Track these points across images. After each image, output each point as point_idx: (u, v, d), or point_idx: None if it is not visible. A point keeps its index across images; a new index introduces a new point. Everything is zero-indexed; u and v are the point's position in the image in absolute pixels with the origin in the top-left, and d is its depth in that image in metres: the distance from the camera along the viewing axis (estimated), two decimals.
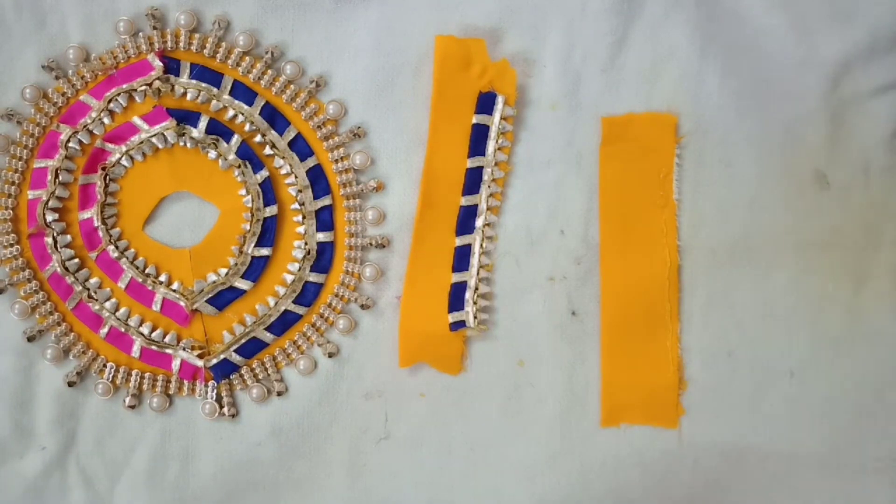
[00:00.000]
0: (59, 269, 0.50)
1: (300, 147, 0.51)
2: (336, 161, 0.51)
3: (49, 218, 0.50)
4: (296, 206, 0.50)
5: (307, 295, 0.51)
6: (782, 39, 0.50)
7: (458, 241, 0.50)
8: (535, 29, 0.50)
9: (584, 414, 0.51)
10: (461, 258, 0.50)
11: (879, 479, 0.51)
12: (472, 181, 0.50)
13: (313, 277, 0.51)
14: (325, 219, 0.51)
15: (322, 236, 0.51)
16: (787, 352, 0.48)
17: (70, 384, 0.50)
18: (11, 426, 0.50)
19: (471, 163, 0.50)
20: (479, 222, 0.50)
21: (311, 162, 0.50)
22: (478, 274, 0.50)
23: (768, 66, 0.50)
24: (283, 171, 0.50)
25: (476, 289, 0.50)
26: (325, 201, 0.51)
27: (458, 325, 0.50)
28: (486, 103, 0.50)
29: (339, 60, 0.50)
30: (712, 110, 0.50)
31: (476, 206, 0.50)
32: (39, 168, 0.50)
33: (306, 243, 0.50)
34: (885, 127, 0.50)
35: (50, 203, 0.50)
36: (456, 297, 0.50)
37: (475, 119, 0.50)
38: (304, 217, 0.50)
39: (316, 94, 0.51)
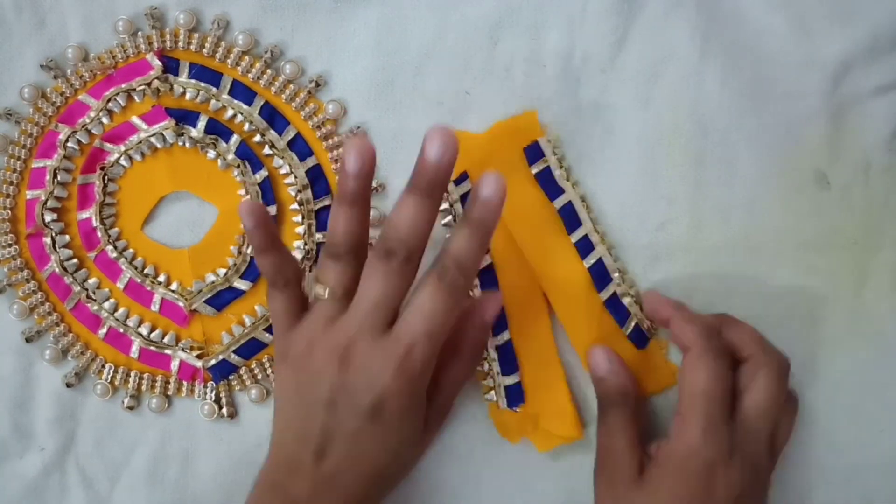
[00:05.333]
0: (57, 270, 0.50)
1: (299, 147, 0.50)
2: (336, 161, 0.51)
3: (47, 218, 0.50)
4: (295, 206, 0.50)
5: None
6: (782, 39, 0.50)
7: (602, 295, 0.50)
8: (535, 29, 0.50)
9: (587, 415, 0.51)
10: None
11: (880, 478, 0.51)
12: (569, 218, 0.50)
13: None
14: (324, 219, 0.51)
15: (322, 236, 0.51)
16: (786, 352, 0.48)
17: (68, 385, 0.50)
18: (10, 426, 0.50)
19: (557, 204, 0.50)
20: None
21: (310, 162, 0.50)
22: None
23: (768, 66, 0.50)
24: (283, 171, 0.50)
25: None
26: (325, 201, 0.51)
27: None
28: (533, 154, 0.50)
29: (339, 60, 0.50)
30: (712, 110, 0.50)
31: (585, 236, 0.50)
32: (38, 168, 0.50)
33: (306, 243, 0.50)
34: (885, 127, 0.50)
35: (48, 203, 0.49)
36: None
37: (533, 170, 0.50)
38: (303, 217, 0.50)
39: (315, 94, 0.50)
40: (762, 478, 0.45)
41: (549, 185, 0.50)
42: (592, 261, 0.50)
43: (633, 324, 0.49)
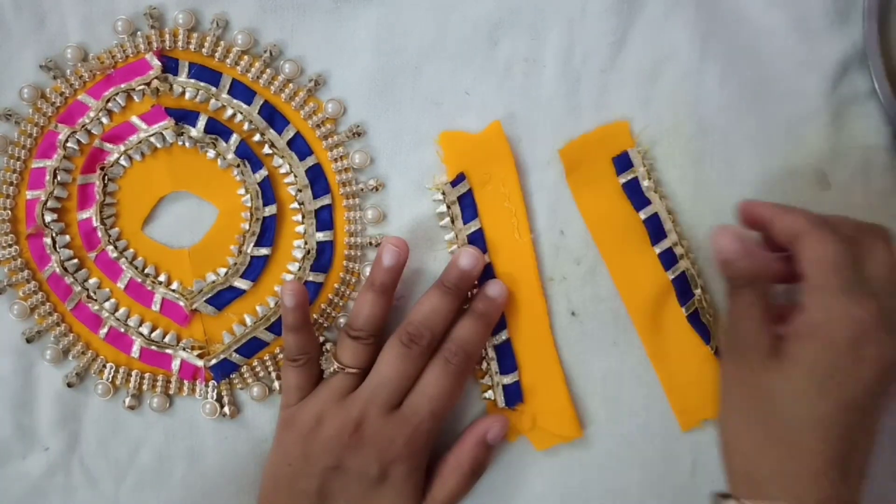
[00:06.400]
0: (58, 270, 0.50)
1: (299, 146, 0.50)
2: (335, 160, 0.51)
3: (48, 218, 0.50)
4: (295, 205, 0.50)
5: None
6: (782, 39, 0.50)
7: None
8: (535, 29, 0.50)
9: (585, 414, 0.51)
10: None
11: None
12: (655, 229, 0.50)
13: (313, 277, 0.51)
14: (324, 218, 0.51)
15: (321, 236, 0.51)
16: None
17: (69, 385, 0.50)
18: (13, 427, 0.51)
19: (643, 214, 0.50)
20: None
21: (310, 161, 0.50)
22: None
23: (768, 66, 0.50)
24: (283, 171, 0.50)
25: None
26: (325, 200, 0.51)
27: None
28: (622, 163, 0.50)
29: (339, 59, 0.50)
30: (712, 110, 0.50)
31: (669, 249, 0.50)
32: (38, 168, 0.50)
33: (306, 243, 0.50)
34: (885, 127, 0.50)
35: (48, 203, 0.49)
36: None
37: (621, 180, 0.50)
38: (303, 216, 0.50)
39: (315, 93, 0.50)
40: None
41: (635, 195, 0.50)
42: (675, 273, 0.50)
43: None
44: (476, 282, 0.49)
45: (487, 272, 0.50)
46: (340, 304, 0.51)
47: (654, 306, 0.50)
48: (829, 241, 0.41)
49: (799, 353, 0.41)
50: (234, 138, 0.50)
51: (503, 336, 0.50)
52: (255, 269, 0.51)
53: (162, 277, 0.51)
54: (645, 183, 0.50)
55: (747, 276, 0.44)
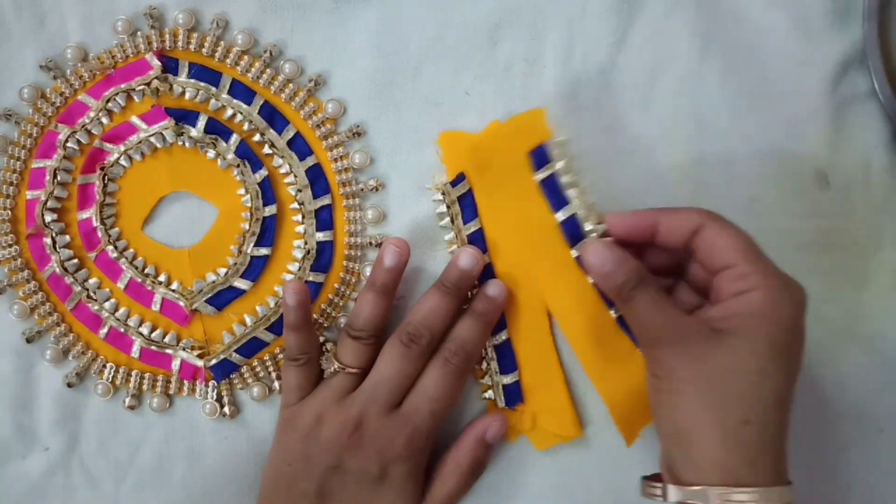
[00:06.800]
0: (58, 270, 0.50)
1: (299, 146, 0.50)
2: (335, 160, 0.51)
3: (48, 218, 0.50)
4: (295, 205, 0.50)
5: None
6: (782, 39, 0.50)
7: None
8: (535, 29, 0.50)
9: (585, 414, 0.51)
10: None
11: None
12: (572, 232, 0.47)
13: (313, 277, 0.51)
14: (324, 218, 0.51)
15: (321, 236, 0.51)
16: None
17: (69, 385, 0.50)
18: (12, 427, 0.51)
19: (560, 215, 0.47)
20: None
21: (310, 161, 0.50)
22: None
23: (768, 66, 0.50)
24: (283, 171, 0.50)
25: None
26: (325, 200, 0.51)
27: None
28: (539, 159, 0.48)
29: (339, 60, 0.50)
30: (712, 110, 0.50)
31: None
32: (38, 168, 0.50)
33: (306, 243, 0.50)
34: (885, 127, 0.50)
35: (48, 203, 0.49)
36: None
37: (538, 177, 0.48)
38: (303, 216, 0.50)
39: (315, 93, 0.50)
40: None
41: (553, 194, 0.48)
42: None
43: None
44: (476, 282, 0.49)
45: (487, 272, 0.50)
46: (340, 304, 0.51)
47: (582, 314, 0.48)
48: (731, 227, 0.42)
49: (750, 333, 0.40)
50: (234, 138, 0.50)
51: (503, 336, 0.50)
52: (255, 270, 0.51)
53: (162, 277, 0.51)
54: (564, 179, 0.47)
55: (636, 276, 0.43)
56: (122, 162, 0.50)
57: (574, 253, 0.47)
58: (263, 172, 0.50)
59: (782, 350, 0.40)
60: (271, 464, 0.48)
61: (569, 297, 0.48)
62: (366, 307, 0.48)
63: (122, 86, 0.50)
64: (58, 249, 0.50)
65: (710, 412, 0.40)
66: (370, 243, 0.51)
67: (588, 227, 0.47)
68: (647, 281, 0.43)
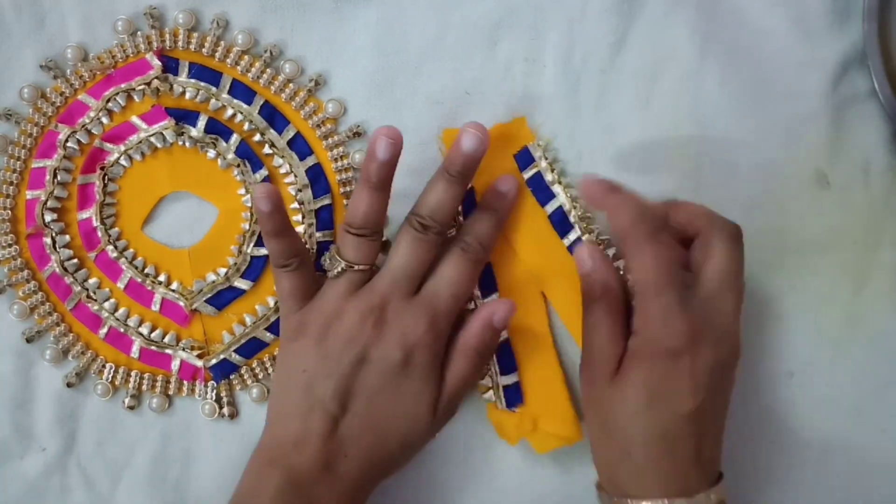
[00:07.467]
0: (57, 270, 0.50)
1: (299, 146, 0.50)
2: (335, 160, 0.51)
3: (48, 218, 0.49)
4: (295, 205, 0.50)
5: None
6: (782, 39, 0.50)
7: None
8: (535, 29, 0.50)
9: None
10: None
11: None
12: (561, 222, 0.50)
13: None
14: (324, 218, 0.51)
15: (322, 235, 0.51)
16: (787, 352, 0.48)
17: (69, 385, 0.50)
18: (11, 427, 0.50)
19: (548, 208, 0.50)
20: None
21: (310, 161, 0.50)
22: None
23: (768, 66, 0.50)
24: (283, 171, 0.50)
25: None
26: (325, 200, 0.51)
27: None
28: (523, 159, 0.50)
29: (339, 59, 0.50)
30: (712, 110, 0.50)
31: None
32: (38, 168, 0.50)
33: (306, 242, 0.50)
34: (885, 127, 0.50)
35: (48, 203, 0.49)
36: None
37: (524, 175, 0.50)
38: (303, 216, 0.50)
39: (315, 93, 0.50)
40: (735, 345, 0.44)
41: (539, 190, 0.50)
42: None
43: None
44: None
45: (487, 272, 0.50)
46: None
47: (575, 296, 0.48)
48: (648, 256, 0.43)
49: (630, 372, 0.43)
50: (235, 138, 0.50)
51: (503, 336, 0.50)
52: (255, 269, 0.51)
53: (162, 277, 0.51)
54: (548, 176, 0.50)
55: (599, 288, 0.44)
56: (123, 162, 0.50)
57: (566, 242, 0.50)
58: (263, 172, 0.50)
59: (654, 391, 0.42)
60: (280, 380, 0.47)
61: (563, 280, 0.49)
62: (362, 204, 0.45)
63: (123, 86, 0.50)
64: (58, 249, 0.50)
65: (600, 438, 0.45)
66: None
67: (572, 218, 0.50)
68: (607, 298, 0.45)
